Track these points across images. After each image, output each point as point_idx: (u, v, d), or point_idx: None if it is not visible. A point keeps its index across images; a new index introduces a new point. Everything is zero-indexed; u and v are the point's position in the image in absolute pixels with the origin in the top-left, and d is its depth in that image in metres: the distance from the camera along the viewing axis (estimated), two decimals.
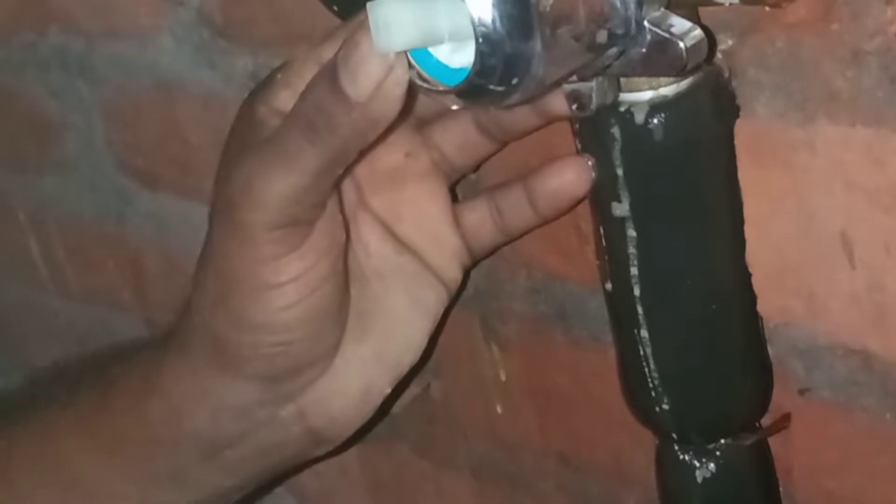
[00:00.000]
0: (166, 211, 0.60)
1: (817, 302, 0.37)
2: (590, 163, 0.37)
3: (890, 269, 0.35)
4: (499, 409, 0.50)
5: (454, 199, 0.42)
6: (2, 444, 0.45)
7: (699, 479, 0.39)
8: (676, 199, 0.36)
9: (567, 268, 0.44)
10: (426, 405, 0.52)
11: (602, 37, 0.31)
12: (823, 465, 0.40)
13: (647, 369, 0.38)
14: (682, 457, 0.40)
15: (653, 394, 0.38)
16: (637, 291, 0.37)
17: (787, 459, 0.40)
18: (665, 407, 0.38)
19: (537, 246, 0.44)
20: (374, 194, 0.41)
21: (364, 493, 0.58)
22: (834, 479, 0.40)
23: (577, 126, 0.37)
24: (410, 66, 0.31)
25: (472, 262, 0.42)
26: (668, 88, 0.34)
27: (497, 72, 0.30)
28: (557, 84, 0.34)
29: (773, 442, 0.40)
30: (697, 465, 0.39)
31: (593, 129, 0.36)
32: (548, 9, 0.30)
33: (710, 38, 0.33)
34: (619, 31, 0.32)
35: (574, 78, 0.34)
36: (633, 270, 0.37)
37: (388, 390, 0.41)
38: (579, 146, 0.37)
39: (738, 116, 0.36)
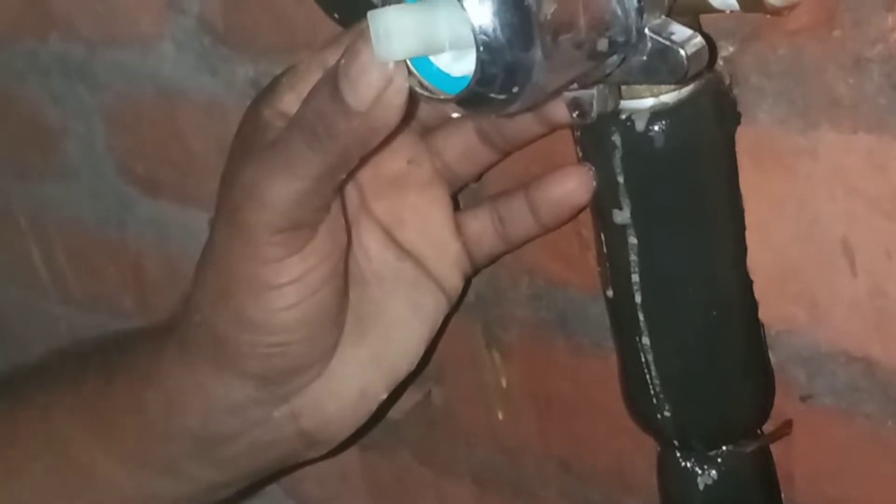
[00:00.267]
0: (167, 217, 0.60)
1: (819, 308, 0.37)
2: (591, 171, 0.37)
3: (892, 276, 0.35)
4: (500, 416, 0.50)
5: (456, 207, 0.42)
6: (6, 419, 0.46)
7: (701, 486, 0.39)
8: (677, 207, 0.36)
9: (568, 274, 0.44)
10: (428, 411, 0.52)
11: (603, 45, 0.31)
12: (825, 471, 0.40)
13: (648, 376, 0.38)
14: (683, 463, 0.40)
15: (654, 400, 0.38)
16: (638, 298, 0.37)
17: (789, 466, 0.40)
18: (666, 414, 0.38)
19: (539, 252, 0.44)
20: (377, 200, 0.41)
21: (365, 499, 0.58)
22: (835, 485, 0.40)
23: (578, 134, 0.37)
24: (411, 74, 0.32)
25: (474, 271, 0.43)
26: (669, 96, 0.34)
27: (498, 80, 0.30)
28: (558, 92, 0.34)
29: (775, 449, 0.40)
30: (699, 471, 0.39)
31: (594, 136, 0.36)
32: (548, 17, 0.30)
33: (711, 46, 0.34)
34: (620, 39, 0.32)
35: (575, 86, 0.34)
36: (635, 277, 0.37)
37: (384, 396, 0.41)
38: (580, 154, 0.37)
39: (739, 123, 0.36)
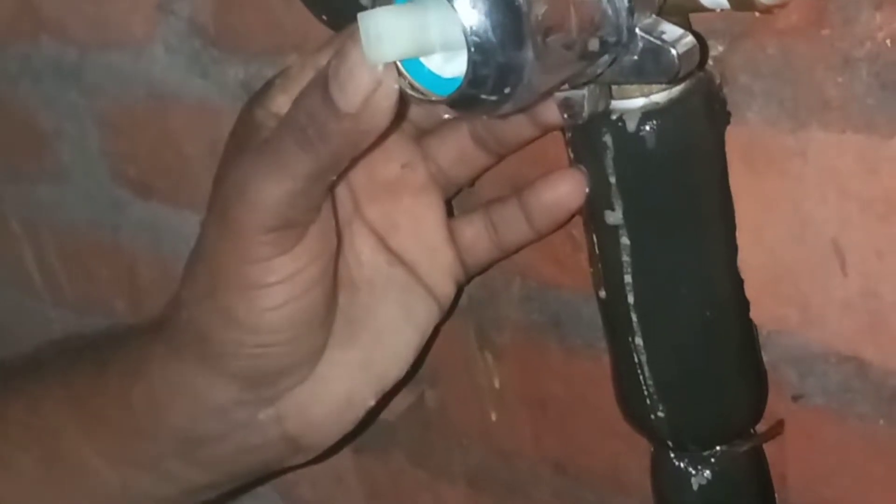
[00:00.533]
0: (160, 220, 0.60)
1: (810, 309, 0.37)
2: (583, 174, 0.37)
3: (883, 276, 0.35)
4: (493, 418, 0.50)
5: (450, 213, 0.42)
6: None
7: (695, 487, 0.39)
8: (669, 207, 0.36)
9: (561, 276, 0.44)
10: (421, 413, 0.52)
11: (594, 45, 0.31)
12: (817, 471, 0.40)
13: (641, 377, 0.38)
14: (677, 464, 0.39)
15: (648, 401, 0.38)
16: (631, 299, 0.37)
17: (782, 466, 0.40)
18: (660, 414, 0.38)
19: (531, 254, 0.43)
20: (371, 204, 0.41)
21: (360, 501, 0.58)
22: (828, 485, 0.40)
23: (570, 135, 0.37)
24: (402, 76, 0.31)
25: (467, 278, 0.42)
26: (660, 96, 0.34)
27: (489, 81, 0.30)
28: (550, 93, 0.34)
29: (768, 449, 0.40)
30: (693, 472, 0.39)
31: (585, 137, 0.36)
32: (539, 18, 0.29)
33: (702, 45, 0.33)
34: (611, 39, 0.32)
35: (566, 86, 0.34)
36: (627, 278, 0.37)
37: (372, 402, 0.41)
38: (572, 155, 0.37)
39: (729, 123, 0.36)
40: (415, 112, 0.40)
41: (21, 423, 0.45)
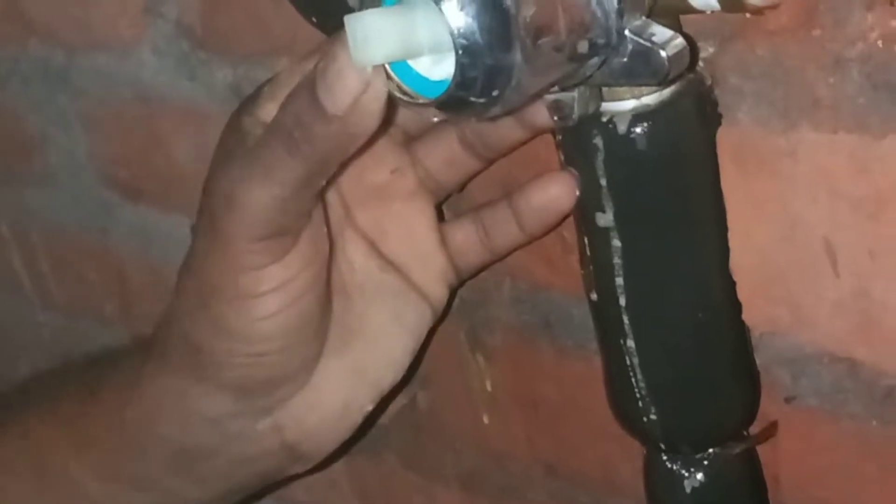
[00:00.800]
0: (149, 223, 0.60)
1: (802, 310, 0.37)
2: (574, 176, 0.37)
3: (874, 276, 0.35)
4: (486, 420, 0.50)
5: (441, 218, 0.42)
6: None
7: (688, 489, 0.39)
8: (660, 209, 0.36)
9: (552, 277, 0.44)
10: (413, 416, 0.52)
11: (583, 47, 0.31)
12: (811, 472, 0.40)
13: (633, 379, 0.38)
14: (670, 466, 0.39)
15: (640, 404, 0.38)
16: (623, 301, 0.37)
17: (775, 467, 0.40)
18: (652, 417, 0.38)
19: (522, 256, 0.43)
20: (361, 210, 0.41)
21: None
22: (822, 486, 0.40)
23: (560, 137, 0.37)
24: (390, 78, 0.31)
25: (459, 282, 0.42)
26: (651, 97, 0.34)
27: (478, 84, 0.30)
28: (539, 95, 0.33)
29: (761, 450, 0.40)
30: (686, 474, 0.39)
31: (576, 139, 0.36)
32: (528, 20, 0.29)
33: (692, 47, 0.33)
34: (601, 41, 0.31)
35: (556, 88, 0.33)
36: (619, 280, 0.37)
37: (369, 408, 0.41)
38: (562, 158, 0.37)
39: (720, 124, 0.35)
40: (403, 117, 0.40)
41: (12, 449, 0.45)
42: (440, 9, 0.29)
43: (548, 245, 0.42)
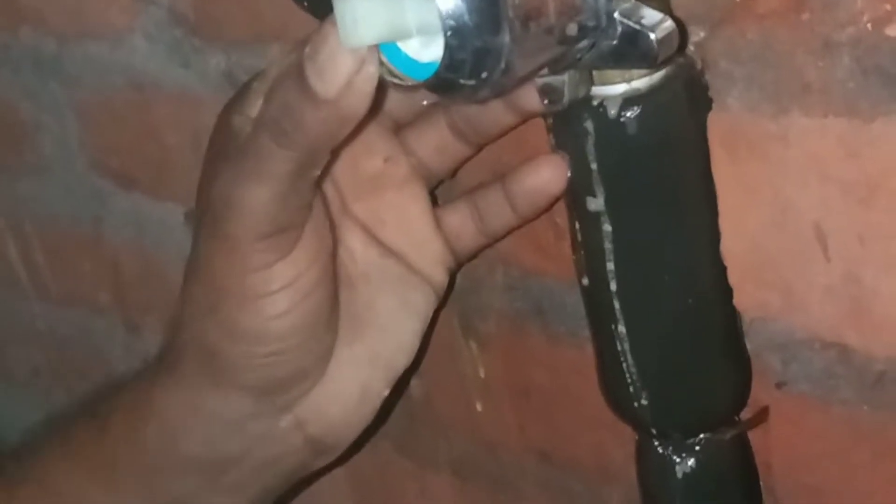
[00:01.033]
0: (143, 211, 0.60)
1: (793, 295, 0.37)
2: (564, 160, 0.37)
3: (865, 261, 0.34)
4: (479, 407, 0.50)
5: (435, 204, 0.42)
6: (2, 496, 0.44)
7: (679, 474, 0.39)
8: (651, 193, 0.36)
9: (544, 263, 0.44)
10: (406, 403, 0.52)
11: (572, 29, 0.31)
12: (802, 457, 0.40)
13: (625, 364, 0.38)
14: (661, 452, 0.39)
15: (631, 389, 0.38)
16: (614, 286, 0.37)
17: (767, 453, 0.40)
18: (644, 402, 0.38)
19: (514, 242, 0.43)
20: (356, 200, 0.41)
21: (347, 491, 0.58)
22: (813, 471, 0.40)
23: (551, 121, 0.37)
24: (381, 62, 0.31)
25: (457, 265, 0.43)
26: (641, 81, 0.34)
27: (466, 66, 0.29)
28: (529, 78, 0.33)
29: (752, 436, 0.40)
30: (677, 459, 0.39)
31: (566, 123, 0.36)
32: (517, 2, 0.29)
33: (682, 31, 0.33)
34: (590, 24, 0.31)
35: (546, 71, 0.33)
36: (610, 265, 0.37)
37: (386, 392, 0.41)
38: (553, 142, 0.37)
39: (710, 109, 0.35)
40: (393, 105, 0.40)
41: (31, 498, 0.44)
42: None
43: (540, 232, 0.42)
